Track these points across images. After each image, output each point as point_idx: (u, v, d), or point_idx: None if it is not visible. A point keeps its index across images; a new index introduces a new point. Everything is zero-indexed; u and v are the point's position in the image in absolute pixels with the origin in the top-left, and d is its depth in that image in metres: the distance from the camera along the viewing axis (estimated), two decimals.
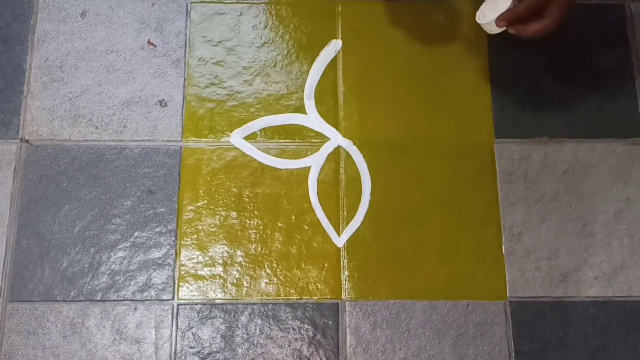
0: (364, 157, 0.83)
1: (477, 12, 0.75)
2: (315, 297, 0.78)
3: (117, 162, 0.82)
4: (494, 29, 0.74)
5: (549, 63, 0.87)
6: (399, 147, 0.84)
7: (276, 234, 0.80)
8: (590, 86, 0.87)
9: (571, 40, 0.88)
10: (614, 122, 0.85)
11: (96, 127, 0.83)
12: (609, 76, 0.87)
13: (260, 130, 0.84)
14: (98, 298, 0.77)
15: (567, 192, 0.82)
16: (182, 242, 0.79)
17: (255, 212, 0.81)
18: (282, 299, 0.78)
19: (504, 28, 0.73)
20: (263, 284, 0.78)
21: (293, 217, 0.81)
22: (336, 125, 0.84)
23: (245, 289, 0.78)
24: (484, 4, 0.75)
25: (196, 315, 0.77)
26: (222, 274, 0.78)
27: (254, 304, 0.78)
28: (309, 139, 0.84)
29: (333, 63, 0.87)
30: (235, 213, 0.81)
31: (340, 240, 0.80)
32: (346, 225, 0.81)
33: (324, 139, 0.84)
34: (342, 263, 0.79)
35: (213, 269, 0.79)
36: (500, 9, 0.73)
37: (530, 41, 0.73)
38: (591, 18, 0.89)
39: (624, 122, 0.85)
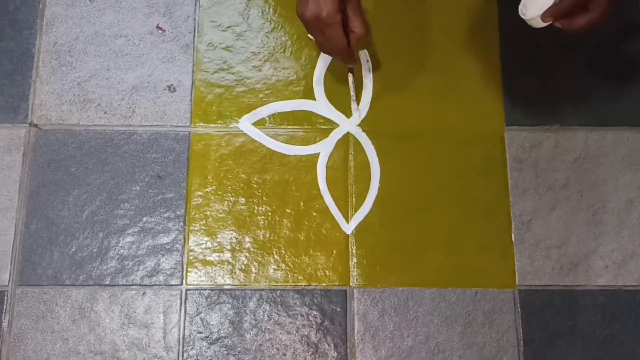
0: (373, 144, 0.83)
1: (520, 6, 0.73)
2: (324, 284, 0.78)
3: (126, 147, 0.82)
4: (539, 24, 0.72)
5: (560, 51, 0.86)
6: (409, 134, 0.83)
7: (284, 220, 0.80)
8: (602, 74, 0.86)
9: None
10: (625, 110, 0.84)
11: (105, 112, 0.83)
12: (621, 64, 0.86)
13: (269, 116, 0.83)
14: (107, 283, 0.77)
15: (578, 180, 0.82)
16: (191, 228, 0.79)
17: (264, 198, 0.81)
18: (291, 285, 0.78)
19: (550, 22, 0.72)
20: (271, 270, 0.78)
21: (302, 204, 0.80)
22: (345, 112, 0.84)
23: (253, 274, 0.78)
24: None
25: (204, 301, 0.77)
26: (230, 259, 0.78)
27: (262, 289, 0.78)
28: (318, 125, 0.83)
29: None
30: (243, 199, 0.80)
31: (348, 227, 0.80)
32: (355, 212, 0.80)
33: (333, 125, 0.83)
34: (350, 250, 0.79)
35: (221, 254, 0.79)
36: (544, 3, 0.71)
37: (577, 34, 0.72)
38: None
39: (635, 110, 0.85)
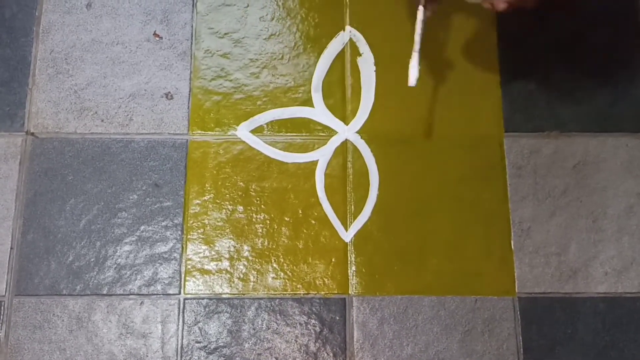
0: (371, 150, 0.82)
1: None
2: (323, 292, 0.78)
3: (123, 155, 0.81)
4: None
5: (559, 57, 0.86)
6: (407, 140, 0.83)
7: (283, 228, 0.80)
8: (602, 80, 0.85)
9: (582, 33, 0.87)
10: (625, 116, 0.84)
11: (102, 120, 0.82)
12: (620, 70, 0.86)
13: (267, 124, 0.83)
14: (104, 292, 0.77)
15: (577, 186, 0.82)
16: (189, 236, 0.79)
17: (262, 206, 0.80)
18: (289, 293, 0.77)
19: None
20: (270, 279, 0.78)
21: (300, 212, 0.80)
22: (343, 119, 0.83)
23: (252, 283, 0.78)
24: None
25: (203, 310, 0.77)
26: (228, 268, 0.78)
27: (261, 298, 0.77)
28: (316, 133, 0.83)
29: (341, 55, 0.86)
30: (241, 207, 0.80)
31: (347, 235, 0.80)
32: (353, 220, 0.80)
33: (331, 132, 0.83)
34: (349, 258, 0.79)
35: (219, 263, 0.78)
36: None
37: (503, 13, 0.70)
38: (602, 10, 0.88)
39: (635, 116, 0.84)
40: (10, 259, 0.77)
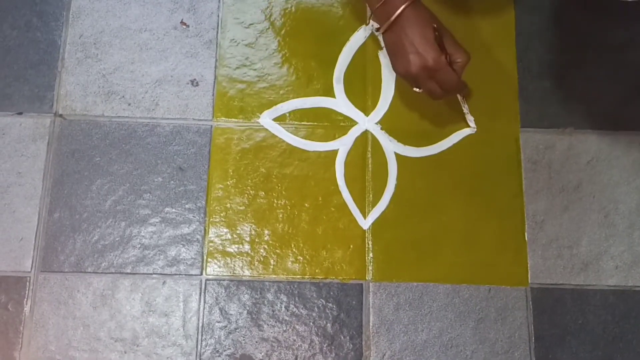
0: (390, 141, 0.84)
1: None
2: (340, 277, 0.80)
3: (149, 139, 0.83)
4: None
5: (574, 55, 0.88)
6: (426, 133, 0.85)
7: (303, 214, 0.82)
8: (615, 79, 0.88)
9: (597, 34, 0.89)
10: (637, 115, 0.86)
11: (129, 104, 0.84)
12: (634, 71, 0.88)
13: (289, 113, 0.85)
14: (128, 271, 0.79)
15: (590, 182, 0.84)
16: (211, 219, 0.81)
17: (283, 192, 0.82)
18: (308, 277, 0.79)
19: None
20: (289, 263, 0.80)
21: (320, 199, 0.82)
22: (364, 110, 0.86)
23: (271, 267, 0.80)
24: None
25: (223, 291, 0.78)
26: (249, 251, 0.80)
27: (280, 281, 0.79)
28: (337, 123, 0.85)
29: (362, 48, 0.88)
30: (263, 192, 0.82)
31: (365, 223, 0.82)
32: (372, 208, 0.82)
33: (351, 122, 0.85)
34: (367, 245, 0.81)
35: (241, 246, 0.80)
36: None
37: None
38: (616, 14, 0.90)
39: None
40: (36, 236, 0.79)
